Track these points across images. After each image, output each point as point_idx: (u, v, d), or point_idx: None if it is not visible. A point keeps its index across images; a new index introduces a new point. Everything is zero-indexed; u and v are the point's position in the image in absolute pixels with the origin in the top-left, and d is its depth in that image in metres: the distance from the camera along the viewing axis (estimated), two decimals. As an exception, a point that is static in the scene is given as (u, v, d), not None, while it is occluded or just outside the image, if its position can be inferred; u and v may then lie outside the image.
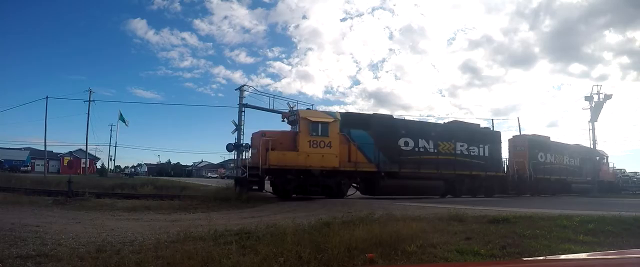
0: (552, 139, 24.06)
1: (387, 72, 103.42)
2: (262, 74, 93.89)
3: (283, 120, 15.75)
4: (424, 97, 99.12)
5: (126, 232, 6.52)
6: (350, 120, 15.30)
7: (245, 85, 20.05)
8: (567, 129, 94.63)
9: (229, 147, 18.16)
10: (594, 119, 28.42)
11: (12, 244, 5.27)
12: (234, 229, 6.54)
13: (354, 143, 14.90)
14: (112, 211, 10.26)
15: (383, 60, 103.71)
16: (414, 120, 19.59)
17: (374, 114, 17.12)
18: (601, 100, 28.10)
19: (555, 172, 22.48)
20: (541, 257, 3.36)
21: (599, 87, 28.82)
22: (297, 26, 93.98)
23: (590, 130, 28.69)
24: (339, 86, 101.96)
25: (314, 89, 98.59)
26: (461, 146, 17.76)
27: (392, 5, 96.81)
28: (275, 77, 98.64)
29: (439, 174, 16.64)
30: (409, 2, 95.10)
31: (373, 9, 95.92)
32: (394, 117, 17.53)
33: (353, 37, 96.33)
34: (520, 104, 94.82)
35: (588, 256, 2.55)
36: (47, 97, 37.19)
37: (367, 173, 15.25)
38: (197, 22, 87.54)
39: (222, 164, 79.09)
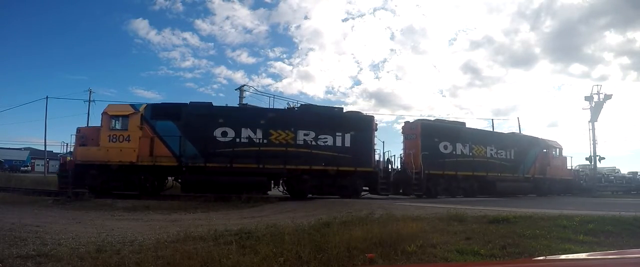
0: (470, 126, 20.04)
1: (388, 72, 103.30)
2: (263, 74, 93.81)
3: None
4: (425, 97, 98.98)
5: (126, 232, 6.52)
6: (159, 112, 14.44)
7: (245, 85, 20.22)
8: (567, 129, 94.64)
9: None
10: (594, 119, 28.40)
11: (12, 244, 5.27)
12: (234, 229, 6.54)
13: (157, 136, 14.05)
14: (112, 211, 10.27)
15: (384, 61, 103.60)
16: (237, 107, 16.99)
17: (189, 103, 15.35)
18: (601, 100, 28.06)
19: (468, 166, 18.04)
20: (541, 257, 3.36)
21: (599, 87, 28.63)
22: (298, 26, 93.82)
23: (590, 131, 28.66)
24: (340, 86, 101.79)
25: (315, 89, 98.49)
26: (305, 134, 14.84)
27: (393, 5, 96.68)
28: (277, 77, 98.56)
29: (260, 168, 14.26)
30: (410, 3, 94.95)
31: (374, 10, 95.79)
32: (214, 105, 15.50)
33: (354, 37, 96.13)
34: (520, 104, 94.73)
35: (588, 256, 2.55)
36: (47, 97, 37.37)
37: (168, 168, 14.35)
38: (198, 22, 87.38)
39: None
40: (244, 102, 21.06)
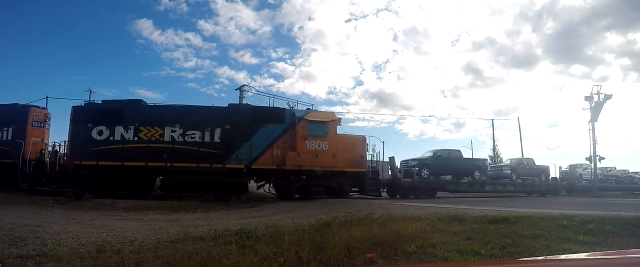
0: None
1: (390, 73, 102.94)
2: (265, 75, 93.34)
3: None
4: (426, 97, 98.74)
5: (126, 232, 6.52)
6: None
7: (245, 85, 20.21)
8: (568, 129, 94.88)
9: None
10: (594, 119, 28.31)
11: (12, 244, 5.27)
12: (234, 229, 6.54)
13: None
14: (112, 211, 10.27)
15: (386, 61, 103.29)
16: None
17: None
18: (601, 100, 27.96)
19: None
20: (541, 257, 3.36)
21: (599, 87, 28.46)
22: (301, 27, 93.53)
23: (590, 131, 28.62)
24: (342, 87, 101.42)
25: (316, 90, 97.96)
26: None
27: (396, 7, 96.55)
28: (279, 77, 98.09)
29: None
30: (413, 4, 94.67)
31: (378, 10, 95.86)
32: None
33: (357, 38, 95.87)
34: (521, 104, 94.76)
35: (588, 256, 2.55)
36: (47, 97, 37.26)
37: None
38: (201, 22, 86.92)
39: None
40: (245, 102, 21.12)
